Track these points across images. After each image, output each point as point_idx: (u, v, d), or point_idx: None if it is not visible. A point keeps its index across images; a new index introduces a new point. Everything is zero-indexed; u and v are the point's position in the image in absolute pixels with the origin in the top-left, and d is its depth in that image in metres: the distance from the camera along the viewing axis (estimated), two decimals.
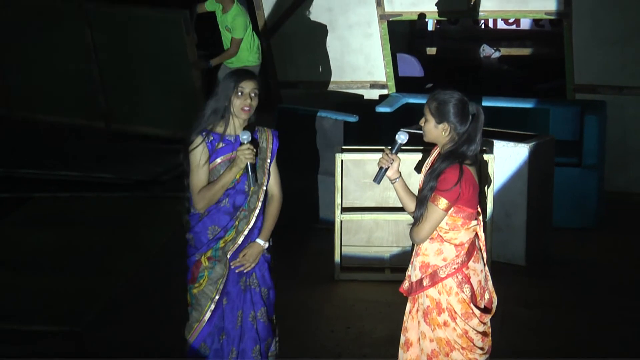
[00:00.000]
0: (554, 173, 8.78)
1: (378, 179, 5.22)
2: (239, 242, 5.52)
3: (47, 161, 10.92)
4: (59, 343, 6.91)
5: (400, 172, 5.21)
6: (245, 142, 5.35)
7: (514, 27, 15.58)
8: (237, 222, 5.51)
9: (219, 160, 5.45)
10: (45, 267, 8.18)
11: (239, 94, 5.40)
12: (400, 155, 5.23)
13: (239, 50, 10.79)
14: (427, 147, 6.58)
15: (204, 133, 5.43)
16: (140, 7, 12.01)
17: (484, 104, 9.90)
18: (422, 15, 11.10)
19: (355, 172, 8.16)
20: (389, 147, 5.21)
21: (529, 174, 8.34)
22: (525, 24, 15.42)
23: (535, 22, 15.28)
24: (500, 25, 15.53)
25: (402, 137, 5.20)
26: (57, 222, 9.39)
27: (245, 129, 5.46)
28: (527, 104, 10.11)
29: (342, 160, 8.10)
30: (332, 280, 8.09)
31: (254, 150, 5.38)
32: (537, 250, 8.50)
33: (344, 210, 8.14)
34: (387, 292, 7.74)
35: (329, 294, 7.89)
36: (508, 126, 9.10)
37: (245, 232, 5.53)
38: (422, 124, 5.12)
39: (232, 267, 5.53)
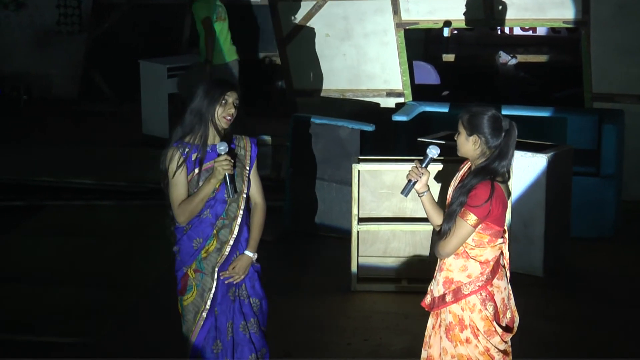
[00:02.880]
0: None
1: (406, 191, 5.21)
2: (226, 253, 5.47)
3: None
4: (72, 355, 6.88)
5: (428, 186, 5.18)
6: (223, 153, 5.30)
7: (530, 33, 15.49)
8: (215, 231, 5.45)
9: (196, 171, 5.39)
10: (59, 278, 8.16)
11: (223, 102, 5.36)
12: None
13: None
14: (448, 158, 6.55)
15: (178, 144, 5.39)
16: None
17: (501, 112, 9.84)
18: (447, 23, 11.05)
19: (372, 183, 8.11)
20: (419, 160, 5.18)
21: (547, 185, 8.27)
22: (541, 30, 15.33)
23: (552, 28, 15.20)
24: (517, 31, 15.44)
25: (433, 151, 5.18)
26: (71, 231, 9.37)
27: (222, 138, 5.42)
28: (545, 113, 10.04)
29: (358, 171, 8.05)
30: (349, 291, 8.03)
31: (232, 160, 5.34)
32: (556, 261, 8.43)
33: (361, 220, 8.08)
34: (405, 303, 7.70)
35: (345, 305, 7.83)
36: (525, 135, 8.99)
37: (231, 242, 5.48)
38: (456, 138, 5.08)
39: (222, 278, 5.49)
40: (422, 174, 5.16)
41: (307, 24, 11.35)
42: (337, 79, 11.44)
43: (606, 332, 7.36)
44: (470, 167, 5.13)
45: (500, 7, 10.79)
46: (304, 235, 9.30)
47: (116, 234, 9.31)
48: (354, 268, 8.07)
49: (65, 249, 8.85)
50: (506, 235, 5.13)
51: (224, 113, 5.37)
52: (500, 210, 4.97)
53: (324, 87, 11.49)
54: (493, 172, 4.98)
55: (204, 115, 5.36)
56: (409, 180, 5.19)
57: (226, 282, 5.49)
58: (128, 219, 9.75)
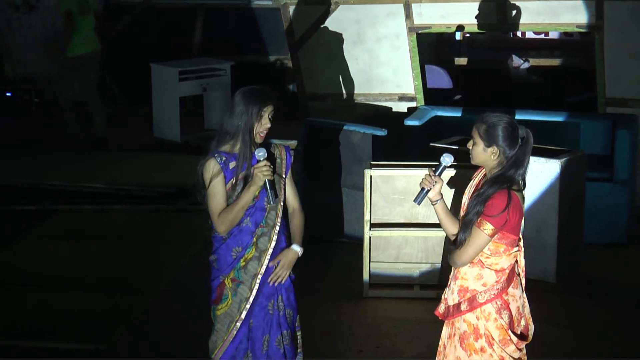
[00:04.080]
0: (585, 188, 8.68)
1: (419, 199, 5.19)
2: (265, 262, 5.44)
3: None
4: None
5: (441, 194, 5.15)
6: (262, 159, 5.29)
7: (542, 36, 15.44)
8: (255, 239, 5.43)
9: (234, 180, 5.37)
10: (70, 283, 8.13)
11: (259, 118, 5.35)
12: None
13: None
14: (461, 164, 6.52)
15: (216, 154, 5.37)
16: None
17: (514, 117, 9.81)
18: (460, 27, 11.02)
19: (385, 188, 8.08)
20: (433, 169, 5.16)
21: (560, 190, 8.23)
22: (554, 34, 15.30)
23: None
24: (529, 34, 15.39)
25: (447, 159, 5.16)
26: (82, 235, 9.33)
27: (259, 146, 5.40)
28: (558, 118, 10.00)
29: (370, 176, 8.02)
30: (361, 297, 8.00)
31: (271, 166, 5.32)
32: (568, 267, 8.40)
33: (373, 226, 8.05)
34: (417, 310, 7.67)
35: (357, 311, 7.80)
36: (538, 140, 8.89)
37: (270, 251, 5.45)
38: (470, 147, 5.05)
39: (269, 282, 5.45)
40: (436, 182, 5.14)
41: (319, 28, 11.33)
42: (349, 83, 11.41)
43: (618, 339, 7.33)
44: (485, 175, 5.10)
45: (513, 12, 10.77)
46: (315, 240, 9.24)
47: (128, 238, 9.28)
48: (365, 274, 8.04)
49: (76, 253, 8.82)
50: (521, 244, 5.12)
51: (260, 129, 5.36)
52: (516, 219, 4.95)
53: (336, 91, 11.47)
54: (509, 180, 4.96)
55: (240, 128, 5.33)
56: (422, 189, 5.16)
57: (269, 280, 5.44)
58: (140, 223, 9.72)
